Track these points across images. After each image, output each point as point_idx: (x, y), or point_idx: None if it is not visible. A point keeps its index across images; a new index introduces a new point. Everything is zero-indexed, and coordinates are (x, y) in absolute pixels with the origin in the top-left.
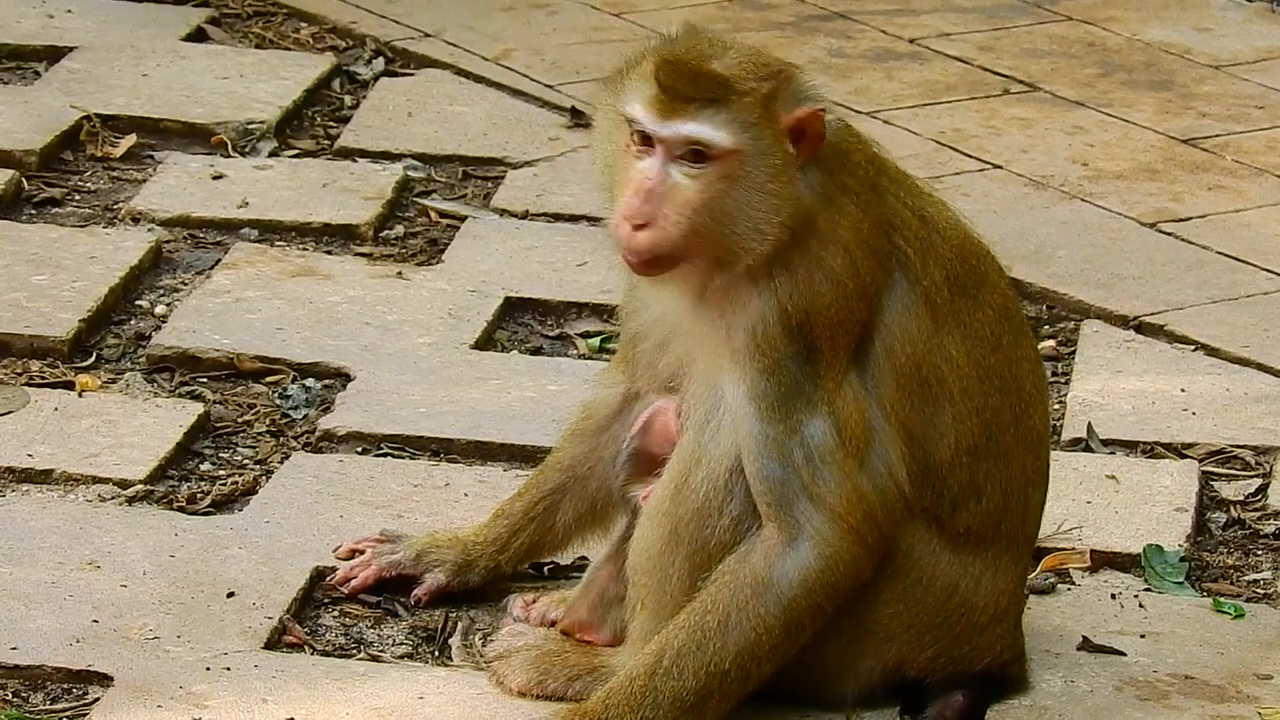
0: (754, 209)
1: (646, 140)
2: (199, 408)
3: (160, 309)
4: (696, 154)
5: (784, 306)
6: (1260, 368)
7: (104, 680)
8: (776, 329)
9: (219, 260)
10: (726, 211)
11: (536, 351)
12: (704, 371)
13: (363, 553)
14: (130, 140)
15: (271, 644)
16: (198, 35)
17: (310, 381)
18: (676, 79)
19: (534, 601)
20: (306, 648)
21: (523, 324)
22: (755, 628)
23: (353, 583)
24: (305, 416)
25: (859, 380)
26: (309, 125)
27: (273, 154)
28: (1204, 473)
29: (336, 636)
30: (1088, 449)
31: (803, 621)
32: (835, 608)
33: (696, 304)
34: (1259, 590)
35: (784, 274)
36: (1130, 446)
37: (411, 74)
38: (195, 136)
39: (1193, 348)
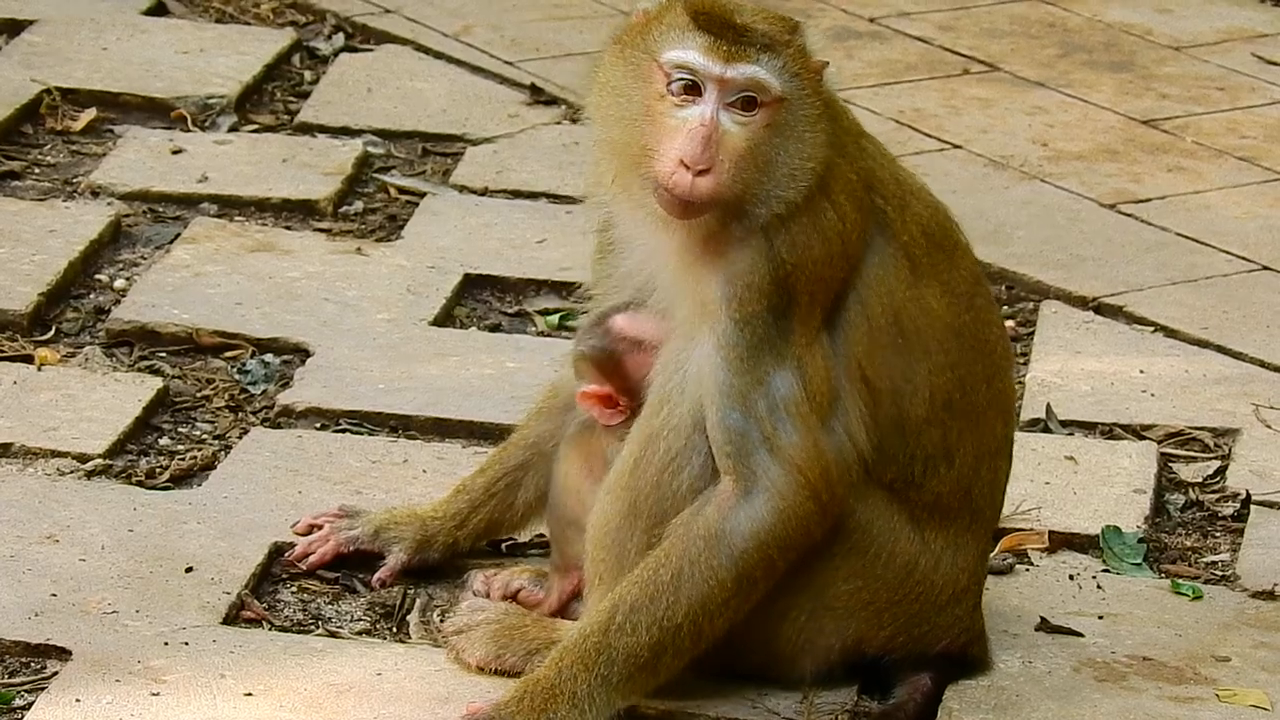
0: (792, 157)
1: (691, 89)
2: (158, 382)
3: (119, 283)
4: (748, 101)
5: (778, 256)
6: (1219, 349)
7: (62, 654)
8: (765, 279)
9: (178, 235)
10: (769, 159)
11: (495, 328)
12: (680, 325)
13: (321, 528)
14: (90, 114)
15: (230, 619)
16: (158, 9)
17: (269, 357)
18: (732, 26)
19: (495, 575)
20: (265, 623)
21: (482, 301)
22: (707, 580)
23: (311, 558)
24: (264, 392)
25: (829, 339)
26: (269, 100)
27: (232, 129)
28: (1163, 454)
29: (295, 612)
30: (1046, 429)
31: (755, 575)
32: (787, 563)
33: (686, 253)
34: (1217, 572)
35: (781, 224)
36: (1089, 427)
37: (371, 50)
38: (155, 111)
39: (1152, 329)
